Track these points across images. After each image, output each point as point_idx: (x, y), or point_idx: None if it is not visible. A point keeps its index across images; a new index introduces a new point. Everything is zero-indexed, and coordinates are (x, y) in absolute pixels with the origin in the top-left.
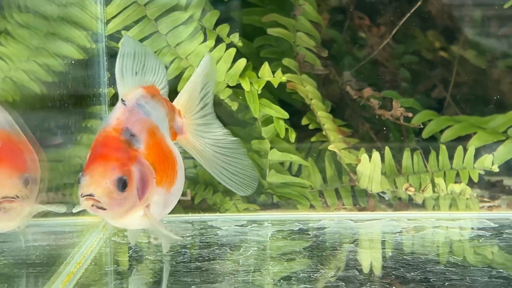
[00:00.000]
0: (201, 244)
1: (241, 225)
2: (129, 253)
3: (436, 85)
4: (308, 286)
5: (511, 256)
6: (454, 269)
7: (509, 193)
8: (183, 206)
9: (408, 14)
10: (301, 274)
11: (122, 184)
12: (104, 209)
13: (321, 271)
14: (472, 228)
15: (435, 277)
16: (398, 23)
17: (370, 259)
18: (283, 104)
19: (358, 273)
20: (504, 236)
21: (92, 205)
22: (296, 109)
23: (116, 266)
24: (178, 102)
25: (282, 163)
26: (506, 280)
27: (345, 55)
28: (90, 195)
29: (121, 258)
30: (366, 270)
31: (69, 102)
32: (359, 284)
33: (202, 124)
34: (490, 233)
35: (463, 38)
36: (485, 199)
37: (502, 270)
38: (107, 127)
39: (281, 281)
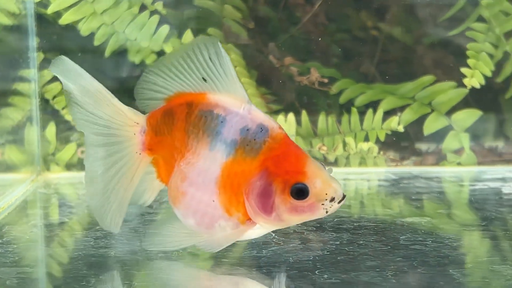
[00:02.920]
0: None
1: None
2: (52, 201)
3: (364, 60)
4: None
5: (399, 199)
6: (347, 210)
7: (418, 155)
8: None
9: None
10: None
11: None
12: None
13: None
14: (378, 180)
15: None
16: (329, 2)
17: None
18: None
19: None
20: (400, 185)
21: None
22: None
23: (40, 210)
24: None
25: None
26: (390, 216)
27: (279, 31)
28: (344, 196)
29: (45, 205)
30: None
31: None
32: None
33: None
34: (389, 183)
35: (391, 17)
36: (395, 159)
37: (389, 210)
38: (273, 131)
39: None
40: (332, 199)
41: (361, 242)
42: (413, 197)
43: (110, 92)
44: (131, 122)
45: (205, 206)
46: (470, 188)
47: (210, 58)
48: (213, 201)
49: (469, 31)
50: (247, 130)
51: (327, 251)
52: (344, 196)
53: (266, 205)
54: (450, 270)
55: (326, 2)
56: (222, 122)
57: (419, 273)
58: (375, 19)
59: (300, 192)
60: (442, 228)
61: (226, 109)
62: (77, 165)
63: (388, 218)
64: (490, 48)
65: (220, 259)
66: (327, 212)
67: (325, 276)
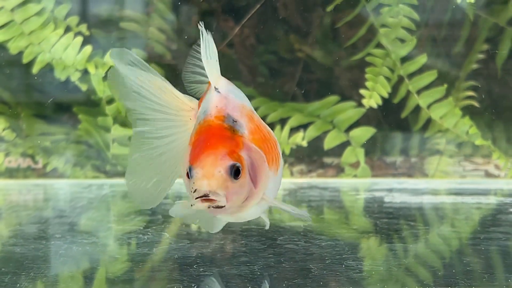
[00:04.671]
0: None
1: (83, 187)
2: None
3: (287, 80)
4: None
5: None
6: None
7: (323, 167)
8: (37, 174)
9: (250, 14)
10: (111, 217)
11: (236, 171)
12: (221, 206)
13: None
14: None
15: None
16: (260, 26)
17: None
18: None
19: (161, 217)
20: (296, 194)
21: (209, 207)
22: None
23: None
24: None
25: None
26: (276, 220)
27: None
28: (204, 196)
29: None
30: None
31: None
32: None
33: None
34: (286, 192)
35: (312, 40)
36: (303, 171)
37: (277, 215)
38: (207, 117)
39: (95, 221)
40: (194, 191)
41: (243, 242)
42: (303, 204)
43: (167, 80)
44: (187, 107)
45: None
46: (357, 197)
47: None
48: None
49: (368, 56)
50: (203, 111)
51: (210, 249)
52: (205, 196)
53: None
54: (310, 265)
55: (258, 26)
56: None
57: (282, 267)
58: (302, 42)
59: (186, 173)
60: (318, 230)
61: (210, 89)
62: (4, 173)
63: (273, 222)
64: (387, 72)
65: None
66: (191, 205)
67: (201, 269)
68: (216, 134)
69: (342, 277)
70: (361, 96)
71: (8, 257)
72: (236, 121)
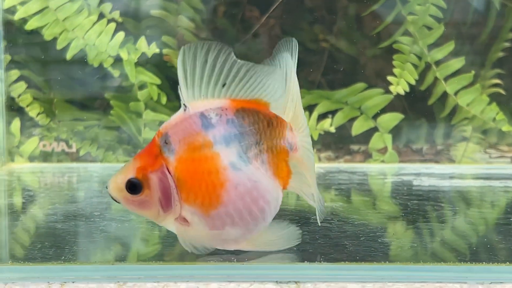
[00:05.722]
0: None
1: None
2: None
3: (313, 70)
4: None
5: (321, 188)
6: None
7: (349, 154)
8: (70, 158)
9: (276, 5)
10: None
11: (132, 187)
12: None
13: None
14: None
15: None
16: (283, 16)
17: None
18: (170, 79)
19: None
20: (326, 177)
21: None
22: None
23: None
24: (287, 116)
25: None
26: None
27: (235, 40)
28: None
29: (8, 189)
30: None
31: None
32: None
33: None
34: (316, 176)
35: (337, 30)
36: (331, 157)
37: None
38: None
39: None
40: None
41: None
42: (333, 187)
43: None
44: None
45: None
46: (385, 181)
47: None
48: None
49: (396, 44)
50: None
51: None
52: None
53: None
54: (345, 242)
55: (282, 16)
56: None
57: (317, 243)
58: (326, 32)
59: None
60: (350, 210)
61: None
62: (39, 156)
63: (306, 203)
64: (415, 59)
65: None
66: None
67: None
68: (146, 148)
69: (378, 252)
70: (388, 84)
71: (50, 233)
72: (168, 144)
